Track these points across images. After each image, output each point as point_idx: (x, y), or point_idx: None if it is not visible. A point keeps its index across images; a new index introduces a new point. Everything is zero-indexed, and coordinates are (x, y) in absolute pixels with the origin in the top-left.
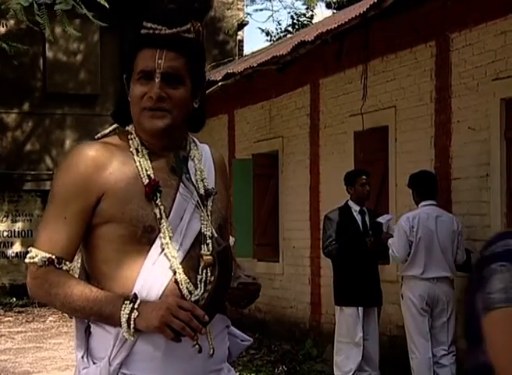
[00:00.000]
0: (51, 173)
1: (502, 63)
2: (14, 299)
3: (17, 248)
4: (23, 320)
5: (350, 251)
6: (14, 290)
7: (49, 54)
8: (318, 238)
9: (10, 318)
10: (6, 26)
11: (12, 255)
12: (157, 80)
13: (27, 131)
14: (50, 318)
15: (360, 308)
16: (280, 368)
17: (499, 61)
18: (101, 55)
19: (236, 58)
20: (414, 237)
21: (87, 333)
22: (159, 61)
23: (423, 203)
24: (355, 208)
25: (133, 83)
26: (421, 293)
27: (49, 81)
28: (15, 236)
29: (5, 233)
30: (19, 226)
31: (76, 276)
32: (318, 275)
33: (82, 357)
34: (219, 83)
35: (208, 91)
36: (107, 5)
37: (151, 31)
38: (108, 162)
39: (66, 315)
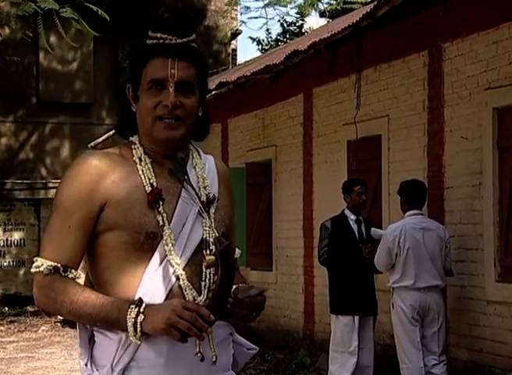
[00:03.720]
0: (44, 181)
1: (494, 73)
2: (6, 309)
3: (10, 257)
4: (15, 330)
5: (345, 259)
6: (6, 299)
7: (43, 62)
8: (311, 247)
9: (2, 327)
10: (0, 35)
11: (5, 264)
12: (171, 89)
13: (21, 140)
14: (42, 327)
15: (356, 316)
16: None
17: (491, 70)
18: (94, 64)
19: (230, 67)
20: (402, 248)
21: (91, 341)
22: (172, 70)
23: (409, 212)
24: (351, 217)
25: (142, 93)
26: (413, 303)
27: (43, 90)
28: (7, 245)
29: None
30: (11, 235)
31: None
32: (311, 284)
33: (86, 364)
34: (213, 92)
35: None
36: (107, 18)
37: (160, 41)
38: (111, 171)
39: (59, 324)
